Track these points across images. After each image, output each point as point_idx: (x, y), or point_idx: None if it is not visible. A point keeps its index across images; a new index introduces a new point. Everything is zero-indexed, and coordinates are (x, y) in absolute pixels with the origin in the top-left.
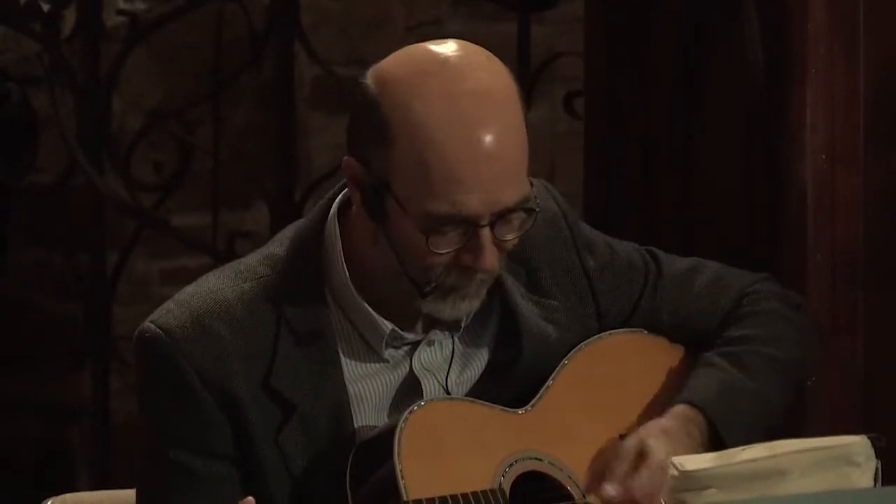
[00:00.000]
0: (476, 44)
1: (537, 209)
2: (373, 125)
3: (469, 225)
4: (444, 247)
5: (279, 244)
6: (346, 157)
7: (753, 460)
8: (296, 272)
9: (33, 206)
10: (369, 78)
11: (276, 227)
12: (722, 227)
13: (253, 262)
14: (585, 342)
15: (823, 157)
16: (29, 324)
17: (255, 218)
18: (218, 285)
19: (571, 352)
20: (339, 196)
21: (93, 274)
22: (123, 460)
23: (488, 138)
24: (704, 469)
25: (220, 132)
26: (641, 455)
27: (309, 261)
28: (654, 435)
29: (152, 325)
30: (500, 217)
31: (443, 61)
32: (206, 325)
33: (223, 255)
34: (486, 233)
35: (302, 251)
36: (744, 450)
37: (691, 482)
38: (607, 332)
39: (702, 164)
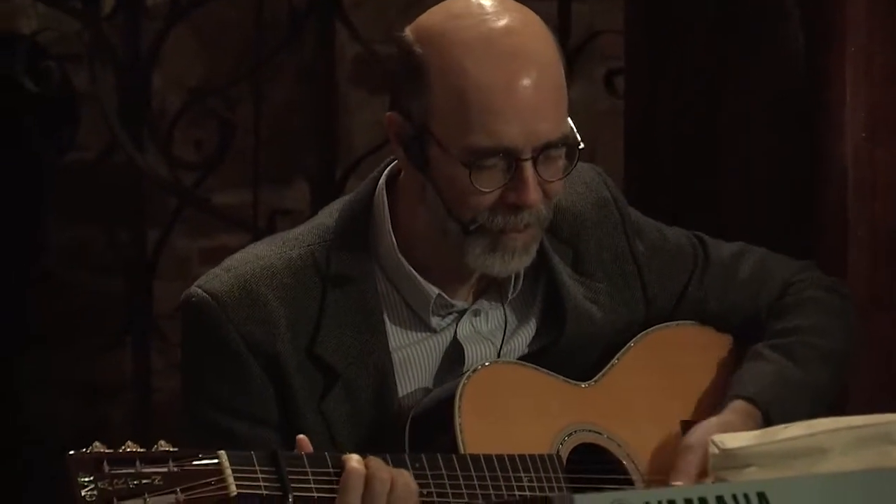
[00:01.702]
0: None
1: (580, 146)
2: (411, 73)
3: (511, 158)
4: (488, 184)
5: (328, 215)
6: (387, 114)
7: (793, 438)
8: (344, 241)
9: (74, 184)
10: (407, 30)
11: (316, 204)
12: (761, 204)
13: (302, 232)
14: (653, 328)
15: (863, 134)
16: (69, 301)
17: (295, 196)
18: (265, 252)
19: (639, 335)
20: (388, 168)
21: (133, 252)
22: (164, 438)
23: (524, 69)
24: (745, 447)
25: (260, 110)
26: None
27: (357, 230)
28: (717, 433)
29: (199, 290)
30: (542, 153)
31: (476, 6)
32: (252, 290)
33: (264, 233)
34: (528, 167)
35: (351, 221)
36: (784, 428)
37: (732, 460)
38: (675, 322)
39: (740, 141)
